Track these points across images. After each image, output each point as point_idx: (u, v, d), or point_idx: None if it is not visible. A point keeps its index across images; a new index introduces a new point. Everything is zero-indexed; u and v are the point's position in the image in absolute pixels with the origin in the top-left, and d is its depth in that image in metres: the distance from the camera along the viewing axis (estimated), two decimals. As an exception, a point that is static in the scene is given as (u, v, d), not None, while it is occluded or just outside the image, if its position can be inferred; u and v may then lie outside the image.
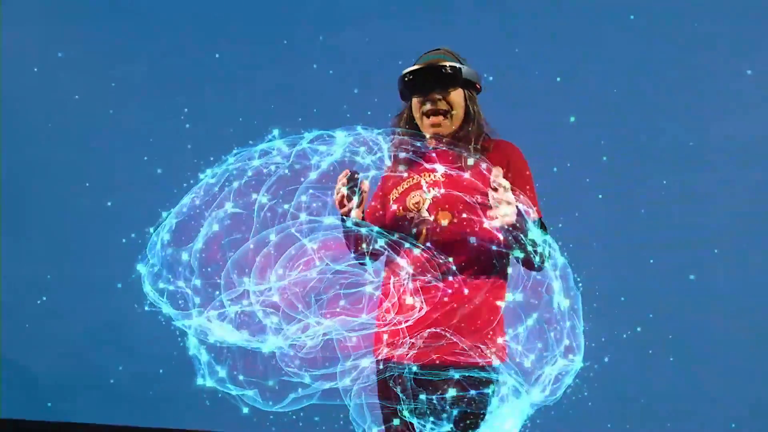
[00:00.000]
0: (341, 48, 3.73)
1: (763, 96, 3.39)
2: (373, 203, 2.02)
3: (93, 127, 4.01)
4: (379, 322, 1.75)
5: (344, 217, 1.88)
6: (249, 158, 1.88)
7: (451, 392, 1.73)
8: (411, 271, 1.78)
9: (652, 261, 3.42)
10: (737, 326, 3.35)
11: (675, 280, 3.39)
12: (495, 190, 1.73)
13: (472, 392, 1.74)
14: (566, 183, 3.43)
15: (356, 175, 1.86)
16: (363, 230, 1.86)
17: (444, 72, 1.92)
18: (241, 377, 1.75)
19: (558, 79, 3.55)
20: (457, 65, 1.94)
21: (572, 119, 3.43)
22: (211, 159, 2.01)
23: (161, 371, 3.53)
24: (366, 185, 1.86)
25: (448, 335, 1.74)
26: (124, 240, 3.73)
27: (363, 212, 1.91)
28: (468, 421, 1.75)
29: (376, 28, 3.71)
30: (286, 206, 1.84)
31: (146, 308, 1.92)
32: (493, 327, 1.80)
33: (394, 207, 1.94)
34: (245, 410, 1.75)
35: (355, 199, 1.85)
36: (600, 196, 3.48)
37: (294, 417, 3.20)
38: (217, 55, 3.89)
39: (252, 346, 1.77)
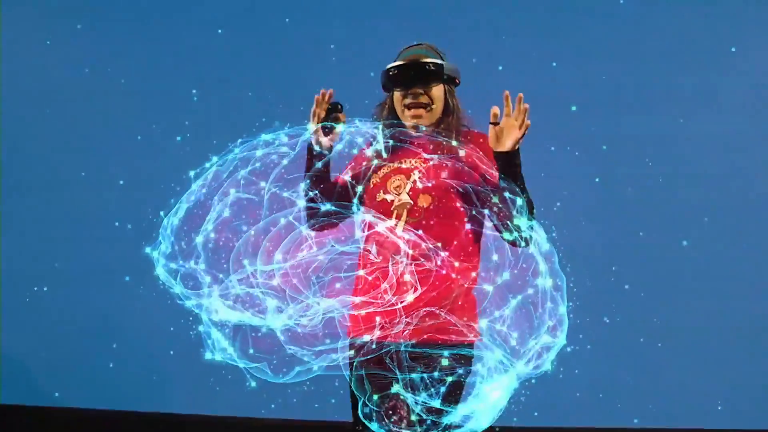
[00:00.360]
0: (343, 40, 3.79)
1: (749, 73, 3.56)
2: (341, 176, 2.12)
3: (94, 116, 3.99)
4: (377, 302, 1.88)
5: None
6: (254, 147, 2.00)
7: (441, 368, 1.88)
8: (411, 252, 1.91)
9: (641, 234, 3.56)
10: (727, 305, 3.50)
11: (667, 250, 3.55)
12: (495, 124, 1.92)
13: (460, 371, 1.89)
14: (560, 164, 3.55)
15: (339, 106, 1.99)
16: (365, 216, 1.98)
17: (427, 68, 2.04)
18: (249, 351, 1.89)
19: (554, 64, 3.65)
20: (439, 62, 2.07)
21: (573, 108, 3.54)
22: (215, 142, 2.12)
23: (171, 353, 3.59)
24: (344, 117, 1.99)
25: (443, 314, 1.88)
26: (116, 223, 3.81)
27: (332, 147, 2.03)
28: (457, 396, 1.90)
29: (372, 20, 3.77)
30: (285, 194, 1.96)
31: (157, 290, 2.04)
32: (471, 306, 1.96)
33: (377, 190, 2.05)
34: (253, 384, 1.88)
35: (336, 132, 2.00)
36: (597, 180, 3.61)
37: (295, 400, 3.33)
38: (219, 31, 3.89)
39: (256, 325, 1.91)
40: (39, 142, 4.04)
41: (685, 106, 3.59)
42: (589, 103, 3.59)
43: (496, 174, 2.00)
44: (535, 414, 3.27)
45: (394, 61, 2.11)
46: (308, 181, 2.01)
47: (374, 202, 2.03)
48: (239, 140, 2.04)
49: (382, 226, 1.94)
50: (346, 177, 2.06)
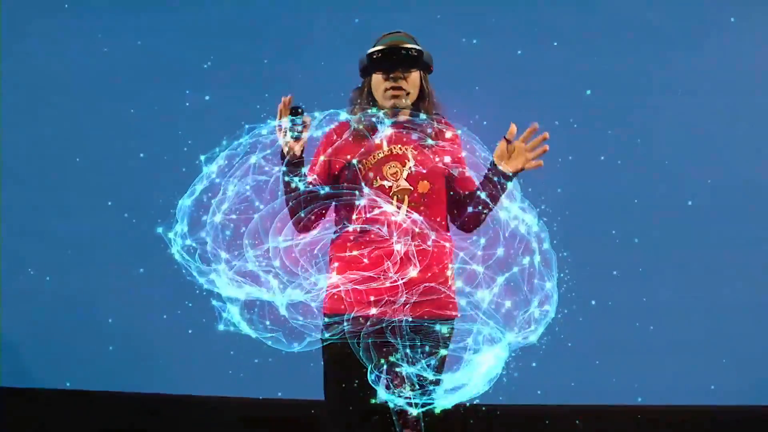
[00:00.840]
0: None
1: (749, 43, 3.67)
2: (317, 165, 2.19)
3: (96, 100, 3.94)
4: (382, 278, 2.03)
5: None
6: (267, 132, 2.12)
7: (438, 341, 2.04)
8: (417, 230, 2.06)
9: (636, 201, 3.64)
10: (720, 291, 3.59)
11: (671, 208, 3.64)
12: (509, 141, 2.05)
13: (452, 346, 2.05)
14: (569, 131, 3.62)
15: (299, 110, 2.03)
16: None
17: (410, 54, 2.17)
18: (264, 323, 2.03)
19: (555, 43, 3.72)
20: (419, 48, 2.20)
21: (588, 92, 3.61)
22: (227, 124, 2.20)
23: (190, 331, 3.50)
24: (308, 120, 2.05)
25: (444, 290, 2.05)
26: (109, 202, 3.78)
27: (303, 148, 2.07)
28: (443, 365, 2.06)
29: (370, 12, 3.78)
30: (286, 179, 2.08)
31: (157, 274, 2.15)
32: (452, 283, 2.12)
33: (370, 175, 2.15)
34: (269, 360, 2.00)
35: (304, 136, 2.04)
36: (602, 158, 3.68)
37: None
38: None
39: (267, 299, 2.05)
40: (41, 126, 4.01)
41: (686, 77, 3.68)
42: (595, 84, 3.66)
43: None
44: (539, 392, 3.37)
45: (373, 47, 2.22)
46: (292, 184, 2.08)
47: (371, 188, 2.13)
48: (246, 126, 2.15)
49: (388, 209, 2.07)
50: (353, 161, 2.15)
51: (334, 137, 2.20)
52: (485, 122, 2.49)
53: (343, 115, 2.19)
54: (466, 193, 2.20)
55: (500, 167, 2.12)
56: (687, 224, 3.65)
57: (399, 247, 2.03)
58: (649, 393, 3.60)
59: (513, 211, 2.08)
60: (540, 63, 3.70)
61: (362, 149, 2.16)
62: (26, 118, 4.01)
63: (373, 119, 2.18)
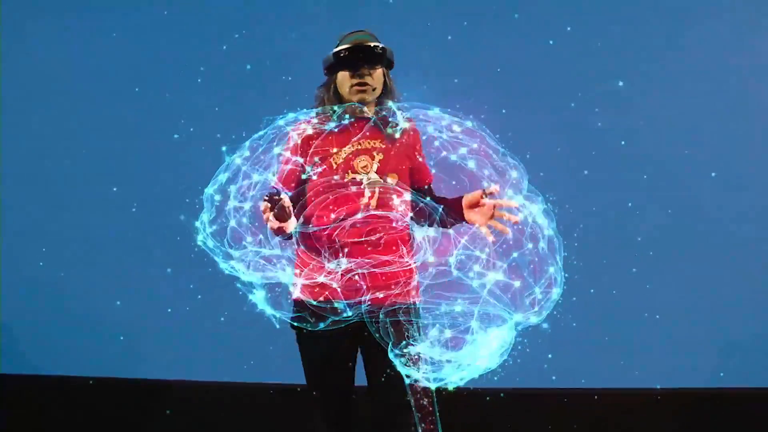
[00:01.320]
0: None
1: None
2: (290, 166, 2.28)
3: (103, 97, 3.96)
4: (399, 262, 2.17)
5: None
6: (284, 124, 2.25)
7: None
8: (437, 217, 2.24)
9: (646, 178, 3.63)
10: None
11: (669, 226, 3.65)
12: (484, 195, 2.19)
13: (461, 328, 2.16)
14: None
15: (275, 196, 2.03)
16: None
17: (376, 51, 2.29)
18: (288, 304, 2.16)
19: (568, 28, 3.71)
20: (383, 45, 2.31)
21: (620, 83, 3.64)
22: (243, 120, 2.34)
23: (222, 319, 3.56)
24: (287, 199, 2.09)
25: (456, 273, 2.17)
26: (114, 188, 3.85)
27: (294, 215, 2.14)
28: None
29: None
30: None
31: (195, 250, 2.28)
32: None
33: (345, 170, 2.25)
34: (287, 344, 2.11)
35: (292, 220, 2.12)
36: (623, 143, 3.66)
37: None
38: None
39: (287, 282, 2.18)
40: (41, 121, 4.03)
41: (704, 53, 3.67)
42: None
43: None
44: (553, 378, 3.45)
45: (338, 45, 2.33)
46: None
47: (338, 181, 2.24)
48: (265, 119, 2.28)
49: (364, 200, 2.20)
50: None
51: (298, 141, 2.28)
52: (504, 110, 2.55)
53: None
54: (416, 188, 2.35)
55: (465, 216, 2.25)
56: (702, 205, 3.66)
57: (419, 234, 2.18)
58: (649, 378, 3.63)
59: (518, 199, 2.19)
60: (566, 51, 3.70)
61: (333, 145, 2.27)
62: (26, 117, 4.03)
63: (346, 114, 2.29)
